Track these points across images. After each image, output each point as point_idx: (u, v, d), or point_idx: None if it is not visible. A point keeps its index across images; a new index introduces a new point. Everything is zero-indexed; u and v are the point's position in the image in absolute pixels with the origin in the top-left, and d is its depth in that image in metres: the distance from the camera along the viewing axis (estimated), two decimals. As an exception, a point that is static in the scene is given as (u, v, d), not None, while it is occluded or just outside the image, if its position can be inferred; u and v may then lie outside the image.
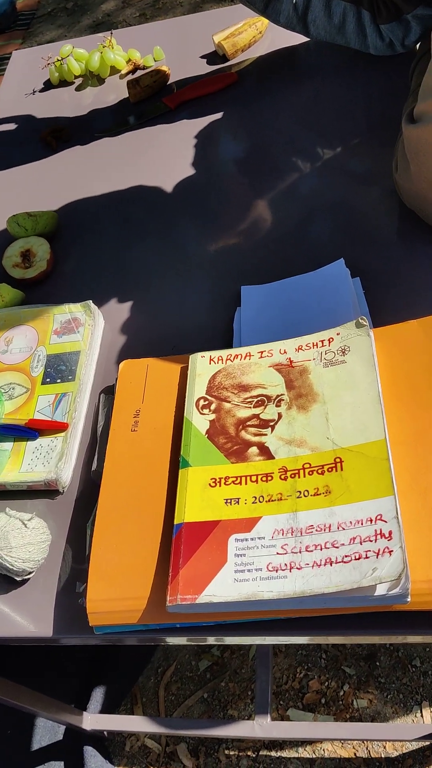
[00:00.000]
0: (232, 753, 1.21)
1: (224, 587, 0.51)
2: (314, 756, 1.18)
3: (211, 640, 0.58)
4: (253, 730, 1.08)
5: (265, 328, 0.72)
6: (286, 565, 0.51)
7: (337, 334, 0.64)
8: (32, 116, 1.09)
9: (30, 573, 0.61)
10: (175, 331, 0.76)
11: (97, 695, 1.26)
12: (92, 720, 1.17)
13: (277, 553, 0.52)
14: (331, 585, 0.49)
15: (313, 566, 0.50)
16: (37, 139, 1.03)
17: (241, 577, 0.52)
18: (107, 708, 1.25)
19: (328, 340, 0.64)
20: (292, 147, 0.90)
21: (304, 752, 1.19)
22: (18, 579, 0.61)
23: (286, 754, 1.20)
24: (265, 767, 1.19)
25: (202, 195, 0.89)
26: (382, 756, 1.17)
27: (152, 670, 1.34)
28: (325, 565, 0.50)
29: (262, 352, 0.66)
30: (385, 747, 1.18)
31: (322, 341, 0.64)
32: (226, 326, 0.75)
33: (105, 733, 1.22)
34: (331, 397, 0.60)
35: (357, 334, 0.63)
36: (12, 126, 1.08)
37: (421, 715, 1.20)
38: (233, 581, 0.51)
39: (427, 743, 1.15)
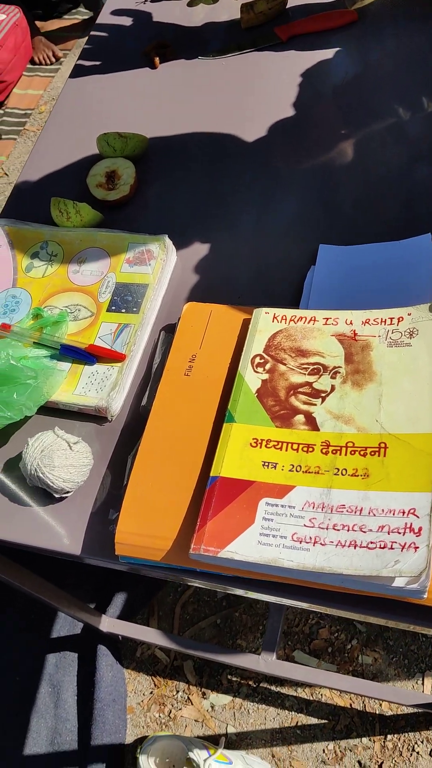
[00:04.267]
0: (234, 679, 1.27)
1: (247, 547, 0.53)
2: (311, 698, 1.23)
3: (222, 588, 0.60)
4: (257, 663, 1.12)
5: (337, 292, 0.70)
6: (311, 538, 0.52)
7: (408, 314, 0.62)
8: (139, 26, 1.05)
9: (68, 492, 0.64)
10: (244, 280, 0.75)
11: (118, 601, 1.34)
12: (109, 623, 1.25)
13: (305, 525, 0.53)
14: (351, 567, 0.50)
15: (337, 545, 0.51)
16: (140, 52, 1.00)
17: (265, 541, 0.53)
18: (125, 614, 1.32)
19: (398, 318, 0.62)
20: (402, 100, 0.85)
21: (303, 693, 1.24)
22: (56, 496, 0.64)
23: (285, 690, 1.25)
24: (263, 698, 1.25)
25: (298, 138, 0.85)
26: (377, 712, 1.21)
27: (172, 587, 1.40)
28: (349, 546, 0.51)
29: (327, 319, 0.65)
30: (381, 705, 1.21)
31: (391, 319, 0.62)
32: (296, 284, 0.73)
33: (120, 637, 1.30)
34: (388, 380, 0.58)
35: (429, 318, 0.61)
36: (116, 34, 1.05)
37: (422, 683, 1.23)
38: (257, 543, 0.53)
39: (421, 711, 1.18)
